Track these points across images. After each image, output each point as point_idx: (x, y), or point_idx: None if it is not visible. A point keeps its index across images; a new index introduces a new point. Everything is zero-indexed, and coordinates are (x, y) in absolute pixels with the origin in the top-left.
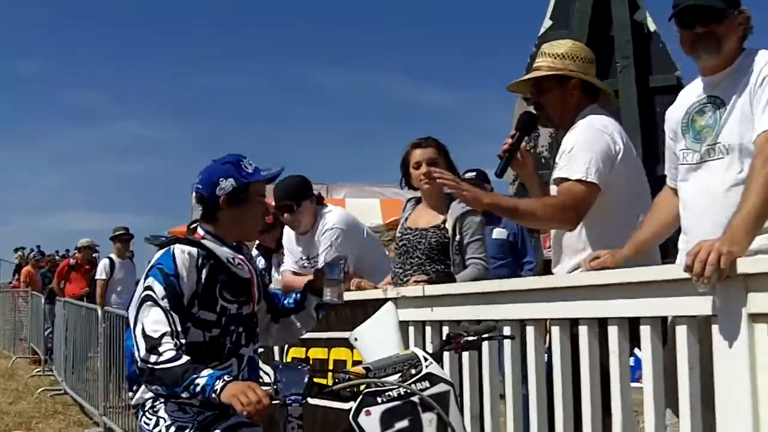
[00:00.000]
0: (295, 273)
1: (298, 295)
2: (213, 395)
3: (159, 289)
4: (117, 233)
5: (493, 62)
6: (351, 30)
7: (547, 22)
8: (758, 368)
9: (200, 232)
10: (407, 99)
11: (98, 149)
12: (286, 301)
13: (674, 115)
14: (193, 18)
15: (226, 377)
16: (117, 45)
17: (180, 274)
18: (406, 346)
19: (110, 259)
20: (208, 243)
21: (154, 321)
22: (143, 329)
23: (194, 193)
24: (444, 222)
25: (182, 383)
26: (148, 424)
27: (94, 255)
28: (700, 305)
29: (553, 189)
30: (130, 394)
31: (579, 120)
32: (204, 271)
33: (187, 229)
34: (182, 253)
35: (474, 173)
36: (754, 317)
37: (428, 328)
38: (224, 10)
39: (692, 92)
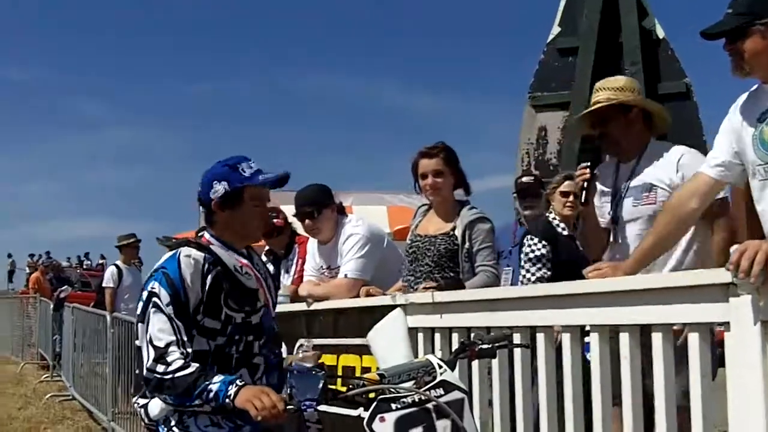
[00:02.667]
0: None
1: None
2: (227, 401)
3: (164, 295)
4: (128, 241)
5: (496, 69)
6: (347, 36)
7: (556, 29)
8: None
9: (207, 236)
10: (407, 106)
11: (96, 157)
12: None
13: (741, 127)
14: (189, 26)
15: (238, 382)
16: (110, 54)
17: (185, 279)
18: (416, 353)
19: (117, 266)
20: (216, 249)
21: (159, 329)
22: (150, 338)
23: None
24: (453, 229)
25: (194, 392)
26: None
27: None
28: (713, 312)
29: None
30: (141, 401)
31: (649, 151)
32: (209, 278)
33: (195, 234)
34: (188, 258)
35: (532, 177)
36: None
37: (437, 335)
38: (221, 18)
39: (757, 101)
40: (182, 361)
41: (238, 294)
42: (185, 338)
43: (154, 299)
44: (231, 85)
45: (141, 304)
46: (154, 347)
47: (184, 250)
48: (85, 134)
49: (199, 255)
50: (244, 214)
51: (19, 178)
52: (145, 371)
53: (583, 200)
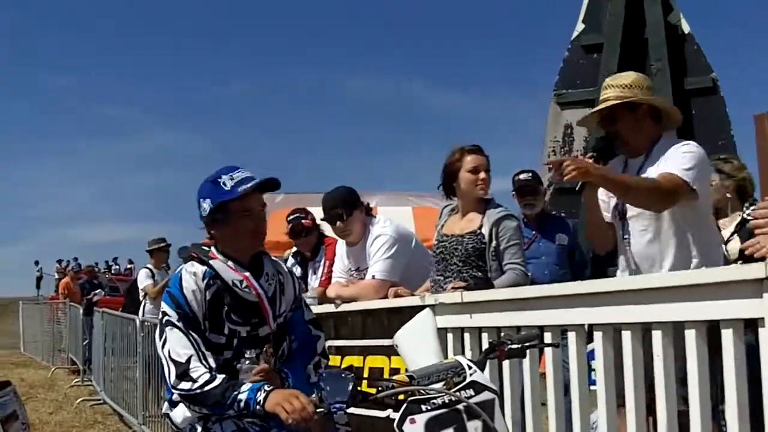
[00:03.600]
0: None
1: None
2: (257, 407)
3: (172, 313)
4: (159, 245)
5: (520, 66)
6: (374, 35)
7: (580, 26)
8: None
9: (213, 251)
10: (430, 105)
11: (129, 161)
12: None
13: None
14: (220, 28)
15: (266, 387)
16: (143, 57)
17: (187, 296)
18: (445, 354)
19: (149, 269)
20: (217, 263)
21: (176, 344)
22: (169, 353)
23: None
24: (480, 228)
25: (226, 402)
26: None
27: None
28: (747, 308)
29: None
30: (165, 410)
31: (658, 147)
32: (208, 293)
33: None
34: (188, 273)
35: (529, 174)
36: None
37: (467, 335)
38: (251, 22)
39: None
40: (208, 375)
41: (242, 307)
42: (204, 351)
43: (166, 318)
44: (261, 87)
45: (158, 325)
46: (175, 363)
47: (188, 266)
48: (116, 138)
49: (201, 270)
50: (233, 228)
51: (45, 183)
52: (171, 389)
53: (577, 189)
